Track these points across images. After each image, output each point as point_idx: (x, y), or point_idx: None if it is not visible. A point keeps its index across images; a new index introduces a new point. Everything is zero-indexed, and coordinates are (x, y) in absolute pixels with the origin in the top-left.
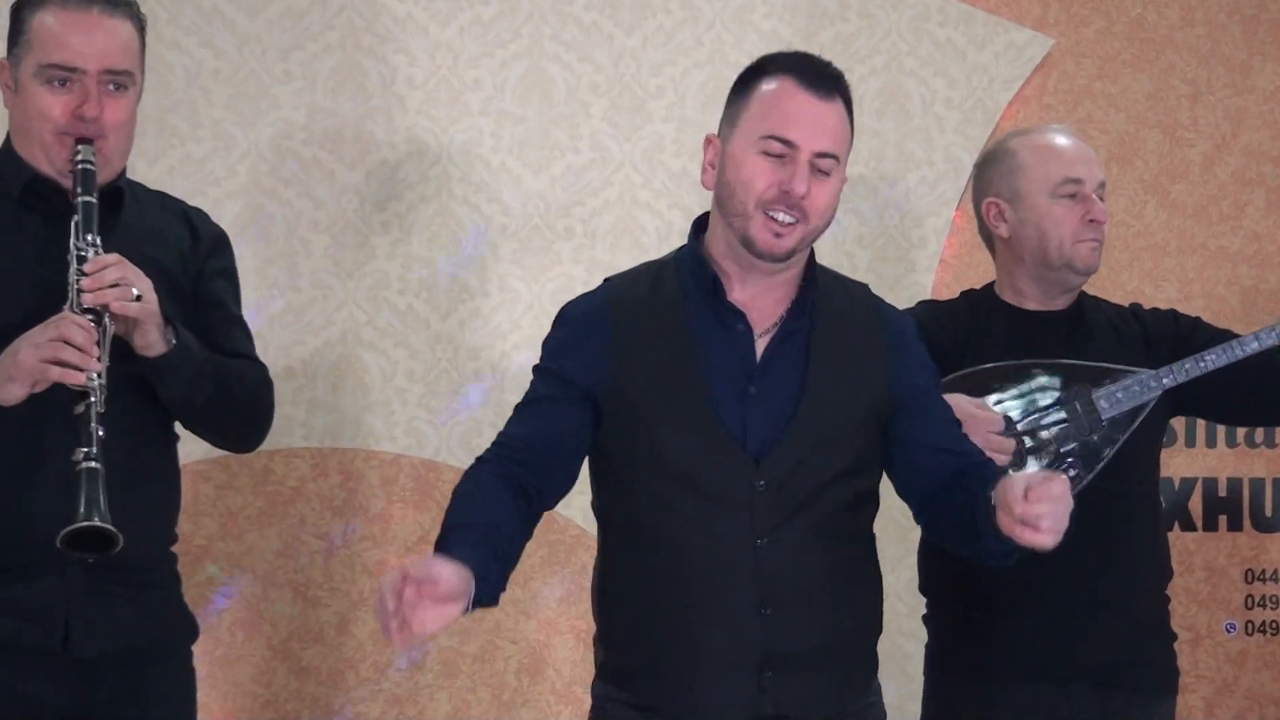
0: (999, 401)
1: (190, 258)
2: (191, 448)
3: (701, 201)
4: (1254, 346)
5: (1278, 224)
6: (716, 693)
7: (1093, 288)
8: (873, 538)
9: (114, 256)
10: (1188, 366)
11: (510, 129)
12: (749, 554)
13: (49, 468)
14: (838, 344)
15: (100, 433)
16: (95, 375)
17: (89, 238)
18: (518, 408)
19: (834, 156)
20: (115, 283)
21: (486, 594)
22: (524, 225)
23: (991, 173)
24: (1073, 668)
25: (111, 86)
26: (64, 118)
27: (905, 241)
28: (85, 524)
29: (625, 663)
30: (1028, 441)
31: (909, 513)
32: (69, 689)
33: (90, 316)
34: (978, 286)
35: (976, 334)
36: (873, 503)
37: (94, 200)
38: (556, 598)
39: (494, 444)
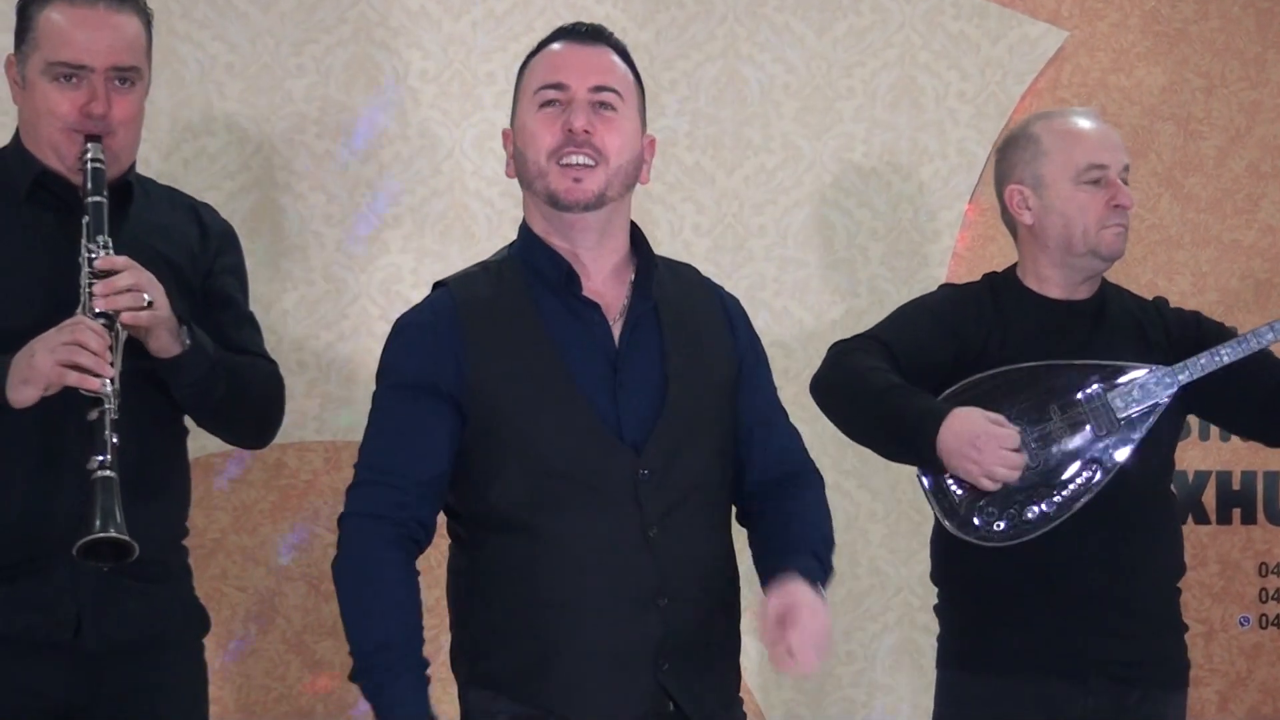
0: (1012, 411)
1: (200, 254)
2: (205, 441)
3: (714, 194)
4: (1270, 338)
5: None
6: (611, 690)
7: (1108, 278)
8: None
9: (125, 260)
10: (1203, 361)
11: None
12: (642, 545)
13: (63, 465)
14: (684, 322)
15: (115, 440)
16: (109, 381)
17: (100, 239)
18: (372, 439)
19: (612, 90)
20: (128, 288)
21: None
22: None
23: (1015, 158)
24: (1089, 662)
25: (119, 82)
26: (72, 115)
27: (918, 235)
28: (101, 535)
29: (506, 668)
30: (1043, 448)
31: (923, 506)
32: (78, 682)
33: (103, 321)
34: (998, 270)
35: (1001, 320)
36: (732, 490)
37: (104, 200)
38: None
39: (364, 488)
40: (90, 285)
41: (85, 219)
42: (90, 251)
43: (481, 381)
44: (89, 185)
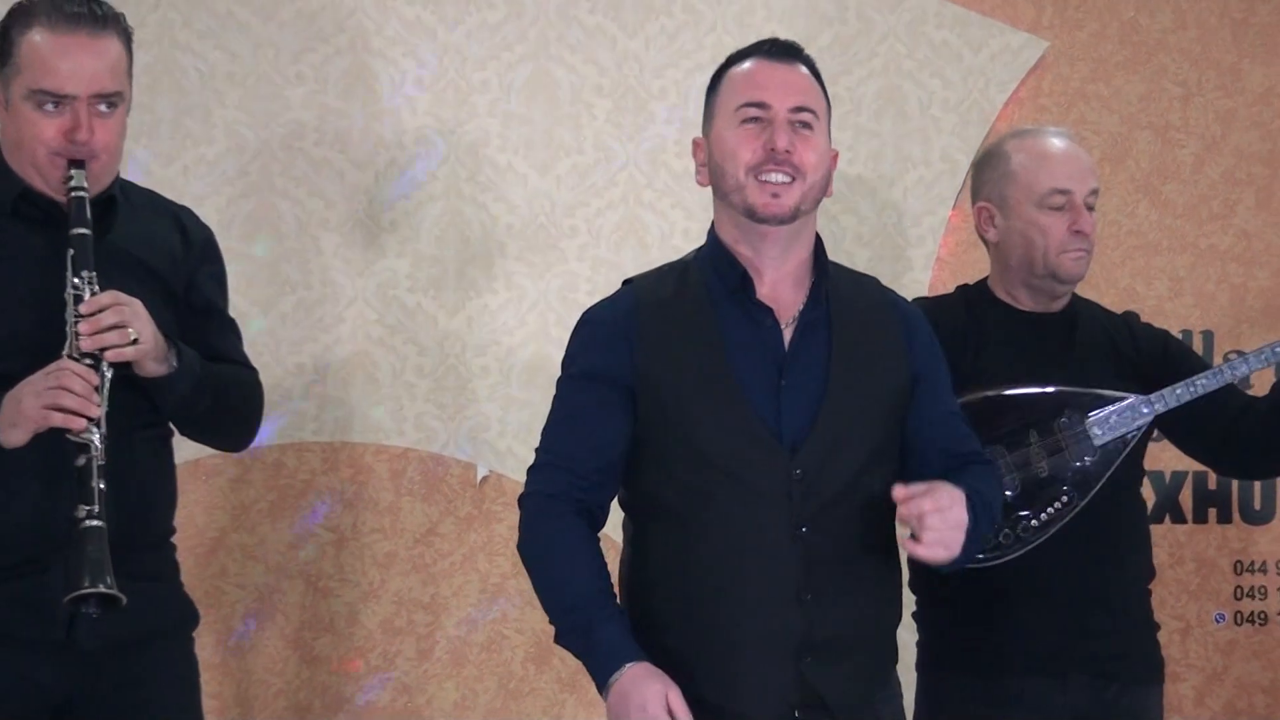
0: (993, 435)
1: (182, 262)
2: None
3: (703, 201)
4: (1244, 370)
5: (1266, 223)
6: (757, 679)
7: (1086, 285)
8: (894, 525)
9: (110, 297)
10: (1179, 392)
11: (516, 130)
12: (791, 542)
13: (65, 473)
14: (856, 330)
15: (101, 487)
16: (95, 426)
17: (85, 274)
18: (554, 425)
19: (810, 110)
20: (112, 326)
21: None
22: (530, 224)
23: (985, 175)
24: (1066, 660)
25: (102, 107)
26: (56, 140)
27: (903, 240)
28: (89, 591)
29: (663, 653)
30: (1022, 472)
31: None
32: (74, 676)
33: (89, 360)
34: (970, 283)
35: (974, 332)
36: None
37: (89, 233)
38: None
39: (545, 470)
40: (76, 324)
41: (70, 252)
42: (76, 288)
43: (650, 375)
44: (74, 216)
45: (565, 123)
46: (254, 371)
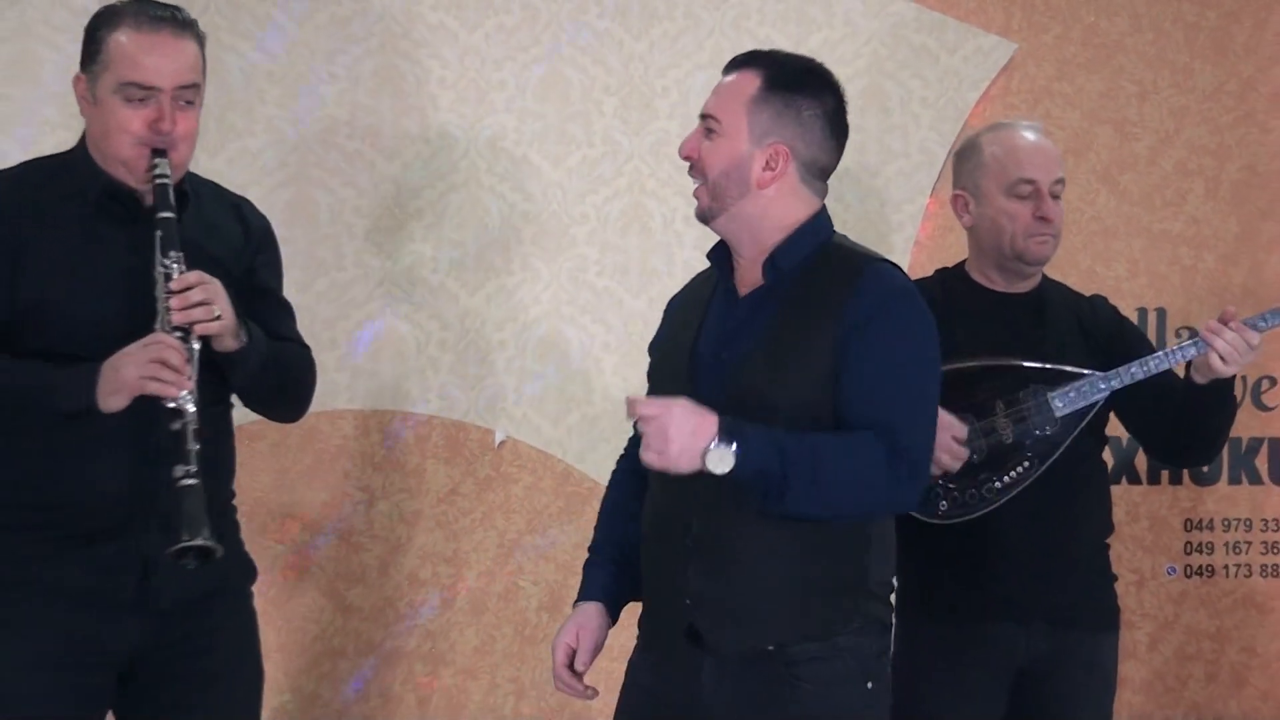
0: (962, 404)
1: (243, 250)
2: (248, 410)
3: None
4: (1193, 352)
5: (1214, 210)
6: (652, 599)
7: (1051, 267)
8: None
9: (197, 276)
10: (1134, 370)
11: (531, 125)
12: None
13: (145, 438)
14: (801, 304)
15: (197, 448)
16: (188, 394)
17: (172, 254)
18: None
19: (715, 119)
20: (200, 303)
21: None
22: (544, 211)
23: (962, 167)
24: (1032, 609)
25: (183, 101)
26: (142, 130)
27: (885, 225)
28: (188, 544)
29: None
30: (988, 438)
31: None
32: (145, 634)
33: (179, 334)
34: (949, 265)
35: (951, 311)
36: None
37: (174, 217)
38: (573, 543)
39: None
40: (167, 300)
41: (158, 233)
42: (165, 267)
43: (654, 349)
44: (159, 201)
45: (576, 119)
46: (308, 349)
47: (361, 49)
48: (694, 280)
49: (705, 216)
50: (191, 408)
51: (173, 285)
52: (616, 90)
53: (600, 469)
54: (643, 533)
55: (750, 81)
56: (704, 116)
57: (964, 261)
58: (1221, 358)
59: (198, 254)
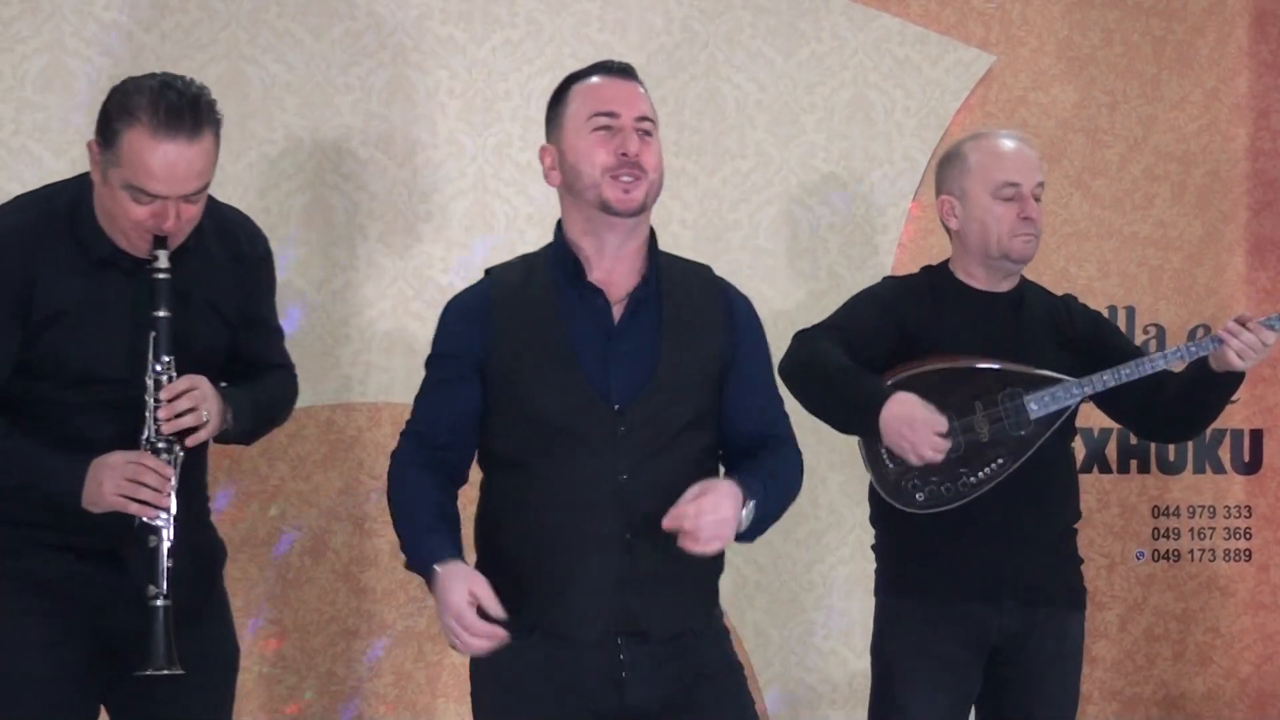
0: (944, 402)
1: (236, 287)
2: None
3: (699, 195)
4: (1161, 364)
5: (1180, 213)
6: (585, 607)
7: (1027, 268)
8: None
9: (187, 383)
10: (1106, 378)
11: (536, 133)
12: (614, 488)
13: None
14: (684, 308)
15: (170, 565)
16: (165, 514)
17: (165, 360)
18: (419, 398)
19: (650, 119)
20: (188, 410)
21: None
22: (547, 215)
23: (946, 172)
24: (1003, 588)
25: (189, 199)
26: (146, 219)
27: (870, 228)
28: (153, 672)
29: (509, 582)
30: (966, 436)
31: None
32: (132, 616)
33: (164, 443)
34: (934, 264)
35: (936, 307)
36: (714, 454)
37: (169, 316)
38: None
39: (408, 435)
40: (156, 409)
41: (153, 335)
42: (155, 374)
43: (500, 352)
44: (155, 299)
45: None
46: (291, 372)
47: (375, 61)
48: (494, 281)
49: (636, 211)
50: (167, 529)
51: (162, 395)
52: None
53: None
54: (535, 529)
55: (647, 94)
56: (641, 119)
57: (948, 260)
58: (1239, 355)
59: (196, 304)
